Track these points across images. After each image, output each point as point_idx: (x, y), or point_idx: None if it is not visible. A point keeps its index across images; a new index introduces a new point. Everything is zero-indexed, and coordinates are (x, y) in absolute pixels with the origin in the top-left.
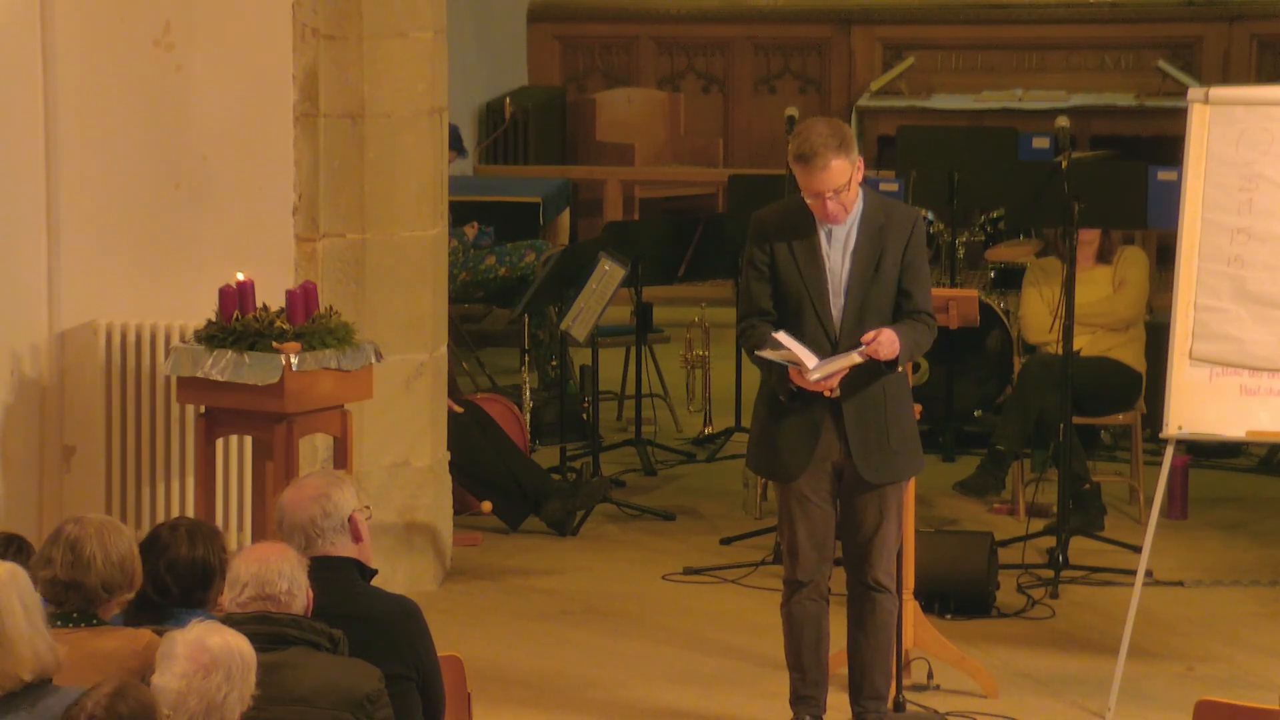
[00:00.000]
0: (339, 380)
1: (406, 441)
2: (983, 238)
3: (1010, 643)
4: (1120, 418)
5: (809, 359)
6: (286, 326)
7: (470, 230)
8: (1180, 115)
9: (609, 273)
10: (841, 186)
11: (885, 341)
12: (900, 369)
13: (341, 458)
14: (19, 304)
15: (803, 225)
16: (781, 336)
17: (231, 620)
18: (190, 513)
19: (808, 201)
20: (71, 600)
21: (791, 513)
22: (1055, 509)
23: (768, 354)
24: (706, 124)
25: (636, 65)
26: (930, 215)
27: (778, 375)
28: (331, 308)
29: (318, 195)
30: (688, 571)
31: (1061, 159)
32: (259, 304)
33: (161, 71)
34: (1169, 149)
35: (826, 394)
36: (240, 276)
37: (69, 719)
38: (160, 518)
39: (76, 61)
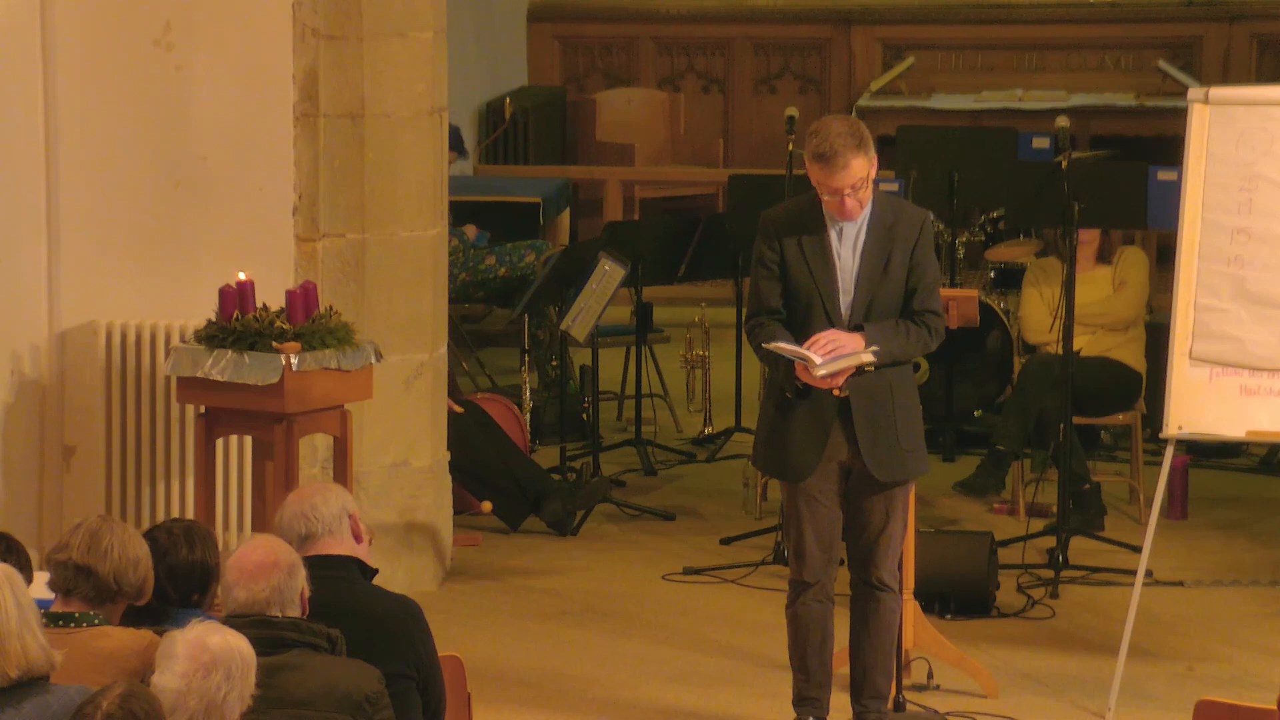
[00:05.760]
0: (339, 380)
1: (406, 441)
2: (983, 238)
3: (1010, 643)
4: (1120, 418)
5: (815, 355)
6: (286, 326)
7: (470, 230)
8: (1180, 115)
9: (609, 273)
10: (860, 184)
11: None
12: (874, 369)
13: (341, 458)
14: (19, 304)
15: (812, 224)
16: (783, 344)
17: (230, 622)
18: (190, 513)
19: (824, 199)
20: (81, 587)
21: (799, 513)
22: (1055, 509)
23: (776, 347)
24: (706, 124)
25: (636, 65)
26: (930, 215)
27: (784, 371)
28: (331, 308)
29: (318, 195)
30: (688, 571)
31: (1061, 159)
32: (259, 304)
33: (161, 71)
34: (1169, 149)
35: (836, 393)
36: (241, 276)
37: (82, 718)
38: (160, 518)
39: (76, 61)
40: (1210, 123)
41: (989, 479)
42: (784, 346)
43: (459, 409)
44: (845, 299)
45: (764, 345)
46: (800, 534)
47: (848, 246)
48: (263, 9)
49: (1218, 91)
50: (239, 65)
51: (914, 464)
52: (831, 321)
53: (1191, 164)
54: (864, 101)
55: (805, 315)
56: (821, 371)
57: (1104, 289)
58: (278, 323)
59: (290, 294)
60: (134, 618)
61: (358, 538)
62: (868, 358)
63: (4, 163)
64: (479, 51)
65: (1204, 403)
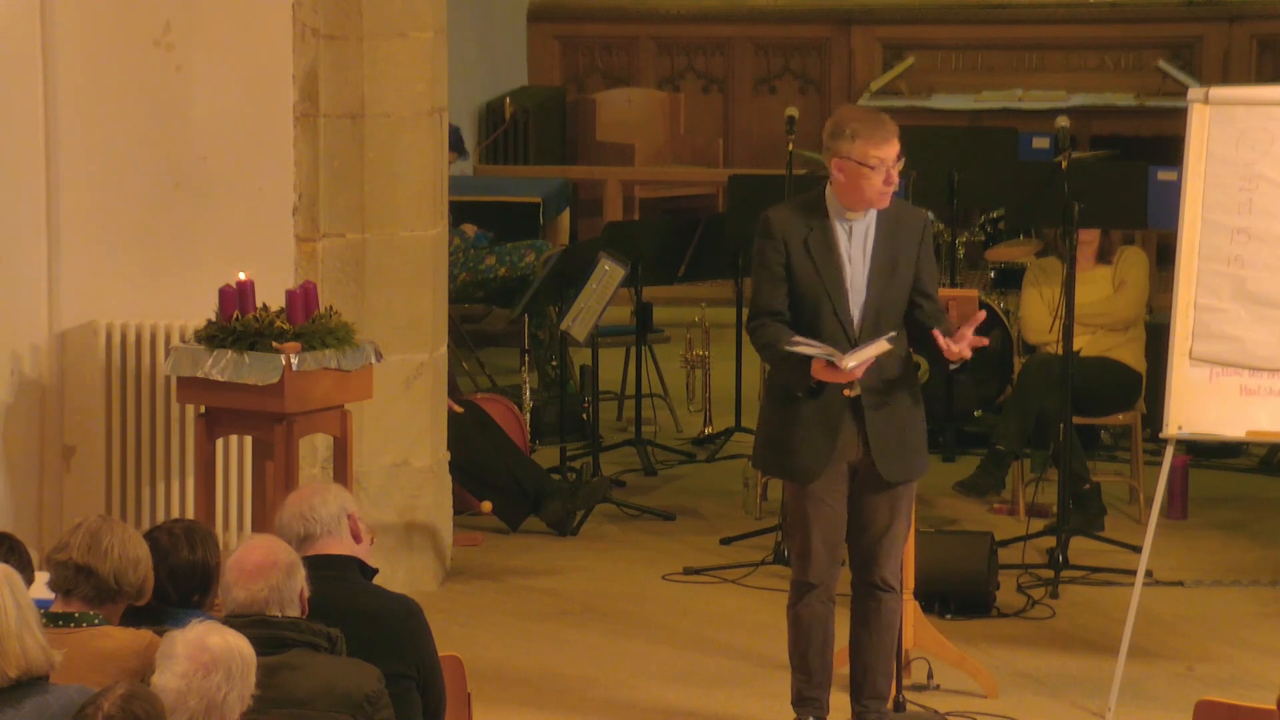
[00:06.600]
0: (339, 380)
1: (406, 441)
2: (983, 238)
3: (1010, 643)
4: (1120, 418)
5: (839, 351)
6: (286, 326)
7: (469, 230)
8: (1180, 115)
9: (609, 273)
10: (897, 161)
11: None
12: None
13: (341, 458)
14: (19, 304)
15: (818, 224)
16: (799, 339)
17: (230, 622)
18: (190, 513)
19: (866, 183)
20: (81, 587)
21: (805, 515)
22: (1055, 509)
23: (800, 347)
24: (706, 124)
25: (636, 65)
26: (930, 215)
27: (797, 371)
28: (331, 308)
29: (318, 195)
30: (688, 571)
31: (1061, 159)
32: (259, 304)
33: (161, 71)
34: (1169, 149)
35: (846, 393)
36: (241, 276)
37: (84, 719)
38: (160, 518)
39: (76, 61)
40: (1210, 123)
41: (989, 479)
42: (807, 342)
43: (459, 409)
44: (856, 299)
45: (785, 347)
46: (807, 535)
47: (857, 246)
48: (263, 9)
49: (1218, 91)
50: (239, 65)
51: (920, 464)
52: (840, 322)
53: (1191, 164)
54: (864, 101)
55: (813, 316)
56: (851, 364)
57: (1104, 289)
58: (278, 323)
59: (290, 294)
60: (134, 618)
61: (357, 538)
62: (886, 345)
63: (4, 163)
64: (479, 51)
65: (1204, 403)
